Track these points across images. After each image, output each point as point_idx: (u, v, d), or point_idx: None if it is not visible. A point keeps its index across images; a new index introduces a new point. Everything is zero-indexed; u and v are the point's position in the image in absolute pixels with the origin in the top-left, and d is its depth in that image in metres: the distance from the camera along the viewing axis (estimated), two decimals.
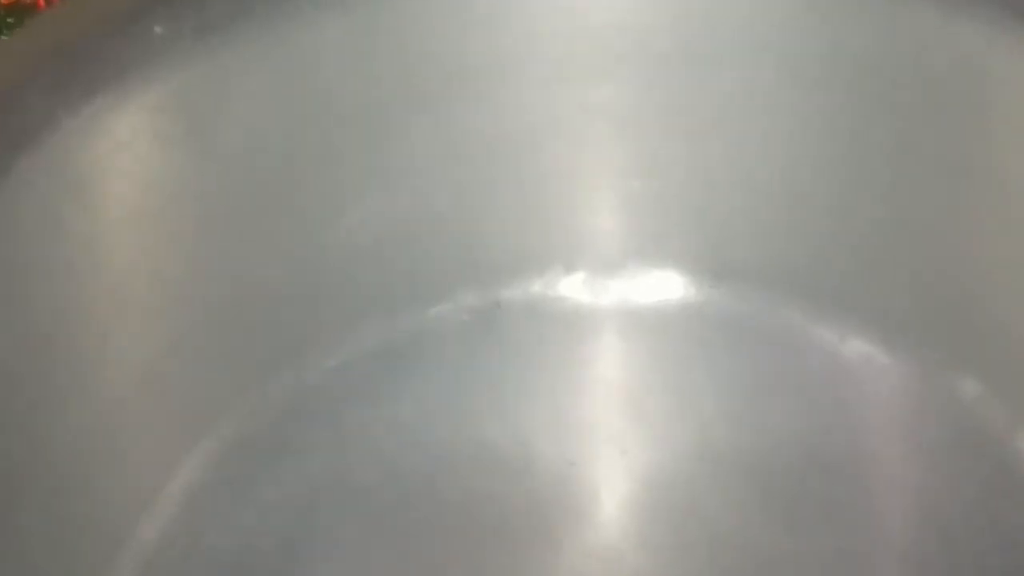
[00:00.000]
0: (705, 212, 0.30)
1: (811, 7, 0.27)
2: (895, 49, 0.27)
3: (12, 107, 0.25)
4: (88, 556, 0.27)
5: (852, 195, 0.29)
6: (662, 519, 0.28)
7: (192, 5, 0.26)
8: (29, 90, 0.25)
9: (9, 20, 0.36)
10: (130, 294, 0.28)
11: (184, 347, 0.29)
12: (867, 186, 0.29)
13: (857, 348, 0.30)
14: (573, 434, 0.30)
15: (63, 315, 0.26)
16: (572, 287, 0.31)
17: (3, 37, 0.37)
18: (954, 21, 0.26)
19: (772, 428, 0.29)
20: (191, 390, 0.29)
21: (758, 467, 0.29)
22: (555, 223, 0.31)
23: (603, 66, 0.29)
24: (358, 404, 0.30)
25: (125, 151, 0.26)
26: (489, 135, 0.30)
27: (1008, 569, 0.27)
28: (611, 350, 0.32)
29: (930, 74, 0.27)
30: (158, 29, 0.26)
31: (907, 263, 0.29)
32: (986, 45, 0.26)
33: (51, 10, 0.25)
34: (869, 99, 0.28)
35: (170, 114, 0.27)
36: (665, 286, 0.31)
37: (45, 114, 0.25)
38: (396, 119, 0.29)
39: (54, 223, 0.26)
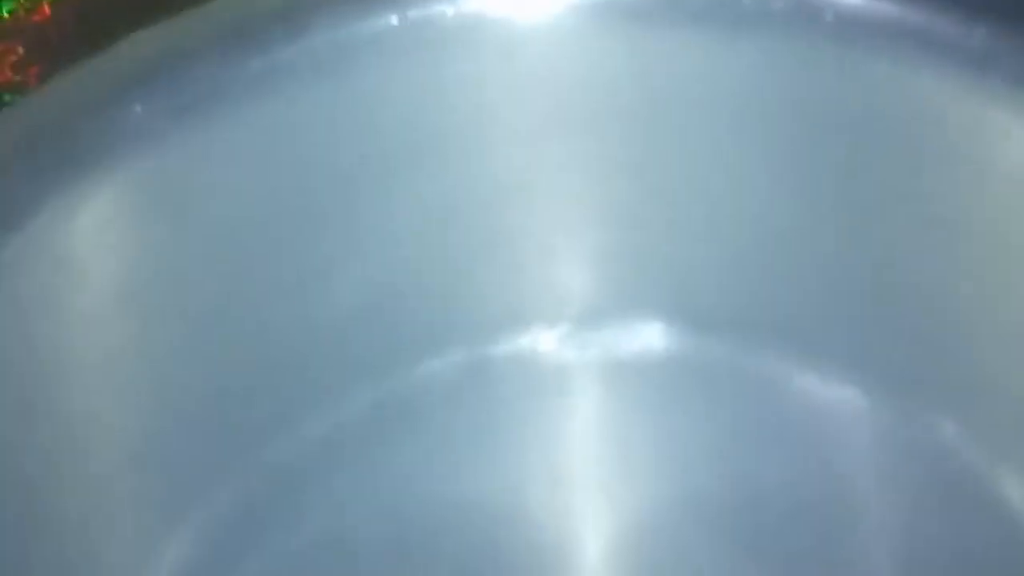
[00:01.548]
0: (683, 264, 0.31)
1: (770, 64, 0.28)
2: (861, 103, 0.27)
3: (1, 190, 0.26)
4: None
5: (827, 243, 0.30)
6: (649, 564, 0.29)
7: (169, 87, 0.27)
8: (15, 172, 0.26)
9: (6, 98, 0.37)
10: (120, 367, 0.28)
11: (175, 419, 0.29)
12: (841, 234, 0.29)
13: (838, 394, 0.30)
14: (562, 484, 0.31)
15: (54, 390, 0.27)
16: (555, 341, 0.32)
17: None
18: (910, 76, 0.27)
19: (756, 473, 0.30)
20: (184, 461, 0.30)
21: (743, 512, 0.29)
22: (536, 279, 0.32)
23: (574, 124, 0.30)
24: (352, 465, 0.31)
25: (110, 228, 0.27)
26: (466, 196, 0.30)
27: None
28: (595, 401, 0.32)
29: (893, 124, 0.28)
30: (137, 109, 0.27)
31: (885, 310, 0.30)
32: (946, 96, 0.27)
33: (33, 95, 0.26)
34: (838, 150, 0.28)
35: (151, 191, 0.27)
36: (646, 338, 0.32)
37: (32, 195, 0.26)
38: (374, 185, 0.30)
39: (44, 299, 0.26)
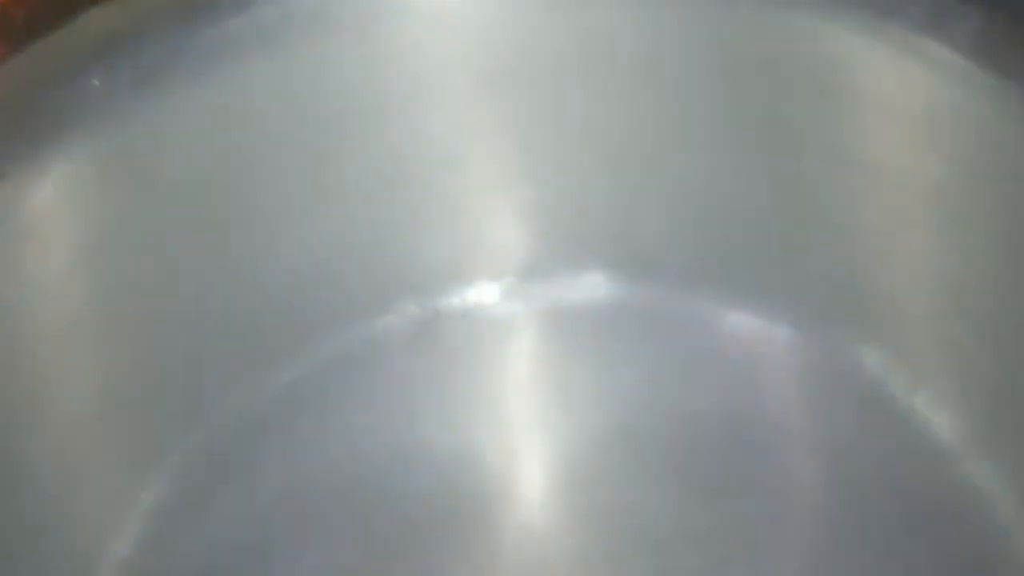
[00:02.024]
0: (618, 215, 0.33)
1: (688, 20, 0.29)
2: (772, 52, 0.29)
3: None
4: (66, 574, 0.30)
5: (752, 188, 0.32)
6: (590, 496, 0.31)
7: (126, 58, 0.29)
8: None
9: None
10: (84, 326, 0.30)
11: (139, 373, 0.31)
12: (764, 178, 0.31)
13: (768, 330, 0.32)
14: (510, 426, 0.33)
15: (23, 348, 0.29)
16: (500, 294, 0.34)
17: None
18: (825, 24, 0.28)
19: (691, 406, 0.32)
20: (149, 413, 0.31)
21: (679, 441, 0.31)
22: (480, 235, 0.33)
23: (508, 87, 0.31)
24: (311, 414, 0.32)
25: (71, 196, 0.29)
26: (409, 158, 0.32)
27: (910, 519, 0.29)
28: (538, 348, 0.34)
29: (806, 73, 0.29)
30: (95, 82, 0.28)
31: (807, 248, 0.32)
32: (853, 44, 0.29)
33: None
34: (757, 100, 0.30)
35: (111, 159, 0.29)
36: (585, 286, 0.33)
37: None
38: (322, 148, 0.31)
39: (9, 264, 0.28)
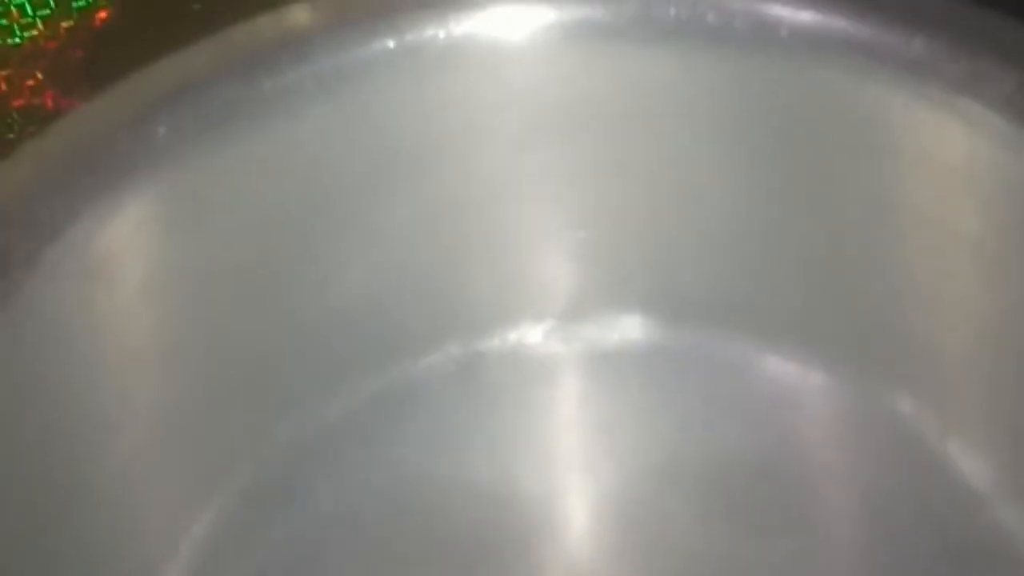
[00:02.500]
0: (657, 260, 0.34)
1: (738, 76, 0.30)
2: (816, 107, 0.30)
3: (37, 203, 0.28)
4: None
5: (789, 236, 0.33)
6: (633, 533, 0.32)
7: (191, 107, 0.30)
8: (52, 186, 0.29)
9: (31, 128, 0.40)
10: (146, 360, 0.31)
11: (195, 406, 0.32)
12: (802, 227, 0.32)
13: (800, 373, 0.33)
14: (549, 464, 0.33)
15: (89, 380, 0.30)
16: (542, 335, 0.35)
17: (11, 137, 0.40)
18: (864, 81, 0.30)
19: (729, 447, 0.33)
20: (204, 445, 0.32)
21: (717, 482, 0.32)
22: (523, 278, 0.34)
23: (556, 134, 0.32)
24: (357, 449, 0.33)
25: (137, 236, 0.30)
26: (459, 202, 0.33)
27: (942, 560, 0.30)
28: (579, 388, 0.35)
29: (845, 126, 0.30)
30: (161, 129, 0.29)
31: (843, 295, 0.33)
32: (892, 102, 0.30)
33: (67, 116, 0.29)
34: (798, 151, 0.31)
35: (174, 201, 0.30)
36: (624, 329, 0.34)
37: (67, 207, 0.28)
38: (375, 193, 0.32)
39: (79, 302, 0.29)
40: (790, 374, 0.33)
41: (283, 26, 0.31)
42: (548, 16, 0.31)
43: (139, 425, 0.31)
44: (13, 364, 0.28)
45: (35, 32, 0.42)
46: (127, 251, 0.30)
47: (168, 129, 0.30)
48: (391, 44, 0.31)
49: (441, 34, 0.31)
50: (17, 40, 0.42)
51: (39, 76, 0.41)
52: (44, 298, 0.28)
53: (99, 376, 0.29)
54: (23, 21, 0.42)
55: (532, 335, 0.35)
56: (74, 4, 0.42)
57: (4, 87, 0.41)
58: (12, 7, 0.42)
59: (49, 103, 0.40)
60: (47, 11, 0.42)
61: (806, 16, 0.29)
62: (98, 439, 0.30)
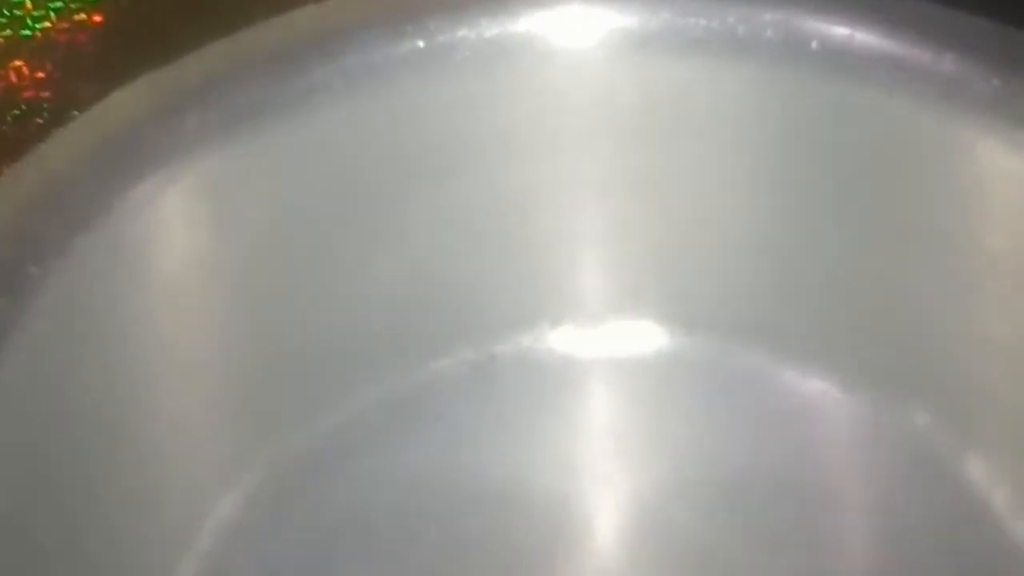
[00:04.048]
0: (678, 269, 0.34)
1: (765, 89, 0.30)
2: (846, 122, 0.30)
3: (68, 193, 0.28)
4: None
5: (810, 251, 0.33)
6: (649, 542, 0.32)
7: (220, 101, 0.30)
8: (82, 177, 0.28)
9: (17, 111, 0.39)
10: (171, 355, 0.31)
11: (215, 402, 0.32)
12: (824, 242, 0.32)
13: (818, 387, 0.33)
14: (566, 472, 0.33)
15: (115, 374, 0.30)
16: (559, 340, 0.35)
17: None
18: (894, 96, 0.30)
19: (745, 460, 0.33)
20: (221, 441, 0.32)
21: (734, 494, 0.32)
22: (542, 282, 0.34)
23: (584, 141, 0.32)
24: (370, 452, 0.33)
25: (167, 229, 0.30)
26: (482, 206, 0.33)
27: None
28: (596, 396, 0.35)
29: (874, 141, 0.31)
30: (192, 122, 0.29)
31: (861, 310, 0.33)
32: (921, 117, 0.30)
33: (98, 105, 0.29)
34: (827, 166, 0.31)
35: (204, 195, 0.30)
36: (643, 337, 0.34)
37: (98, 198, 0.28)
38: (399, 193, 0.32)
39: (108, 295, 0.29)
40: (807, 388, 0.33)
41: (314, 23, 0.31)
42: (579, 22, 0.31)
43: (158, 422, 0.31)
44: (46, 351, 0.27)
45: (48, 24, 0.42)
46: (157, 245, 0.30)
47: (198, 122, 0.30)
48: (421, 44, 0.31)
49: (472, 36, 0.31)
50: (29, 31, 0.42)
51: (50, 68, 0.41)
52: (76, 287, 0.28)
53: (123, 370, 0.29)
54: (36, 13, 0.42)
55: (548, 340, 0.35)
56: None
57: (14, 78, 0.41)
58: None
59: (59, 96, 0.40)
60: (60, 2, 0.42)
61: (837, 30, 0.30)
62: (119, 432, 0.30)
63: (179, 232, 0.30)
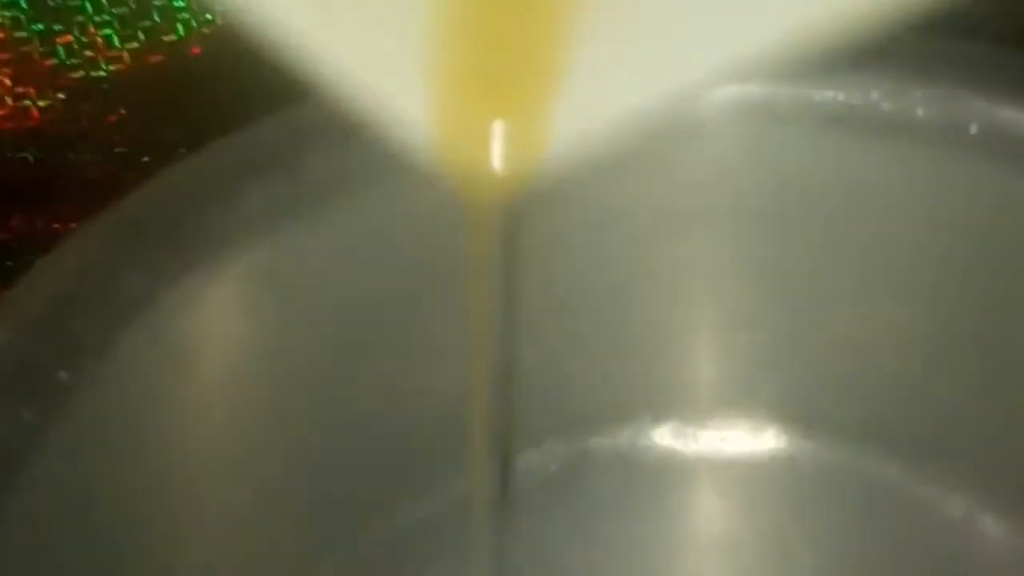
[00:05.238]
0: (803, 365, 0.30)
1: (901, 173, 0.27)
2: (1009, 218, 0.27)
3: (114, 284, 0.25)
4: None
5: (942, 350, 0.29)
6: None
7: (285, 177, 0.26)
8: (129, 267, 0.25)
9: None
10: (222, 451, 0.27)
11: (272, 501, 0.29)
12: (977, 347, 0.28)
13: (956, 507, 0.29)
14: None
15: (162, 473, 0.26)
16: (661, 437, 0.31)
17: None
18: None
19: None
20: (279, 544, 0.29)
21: None
22: (644, 374, 0.31)
23: (696, 221, 0.29)
24: (444, 559, 0.30)
25: (218, 320, 0.26)
26: (583, 289, 0.29)
27: None
28: (701, 505, 0.31)
29: (1013, 235, 0.27)
30: (255, 200, 0.26)
31: (1006, 418, 0.29)
32: None
33: (148, 183, 0.25)
34: (977, 264, 0.27)
35: (259, 283, 0.27)
36: (759, 439, 0.31)
37: (145, 290, 0.25)
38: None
39: (154, 391, 0.26)
40: (951, 512, 0.29)
41: None
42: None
43: (208, 527, 0.27)
44: (79, 464, 0.24)
45: (121, 65, 0.39)
46: (207, 337, 0.26)
47: (262, 200, 0.26)
48: None
49: None
50: (102, 72, 0.39)
51: (123, 112, 0.38)
52: (116, 390, 0.25)
53: (169, 476, 0.26)
54: (110, 53, 0.39)
55: (649, 436, 0.31)
56: (165, 38, 0.39)
57: (85, 122, 0.38)
58: (99, 36, 0.39)
59: (126, 143, 0.37)
60: (136, 44, 0.39)
61: (1003, 113, 0.26)
62: (169, 536, 0.26)
63: (230, 323, 0.26)
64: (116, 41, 0.39)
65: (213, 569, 0.27)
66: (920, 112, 0.26)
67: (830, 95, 0.27)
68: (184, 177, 0.26)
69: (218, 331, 0.26)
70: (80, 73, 0.39)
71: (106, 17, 0.39)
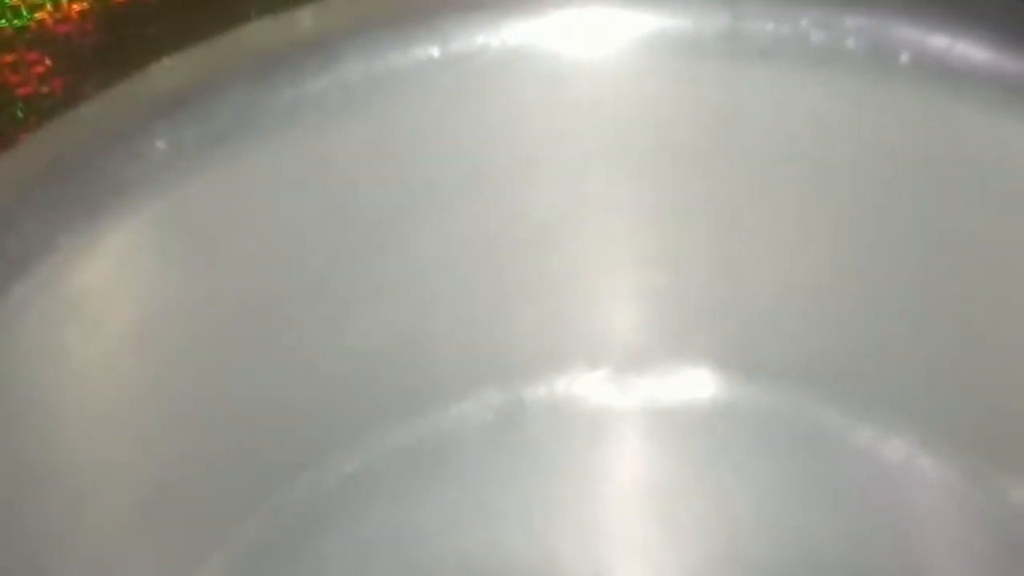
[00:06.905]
0: (735, 308, 0.29)
1: (838, 104, 0.26)
2: (937, 148, 0.26)
3: (7, 230, 0.24)
4: None
5: (894, 291, 0.28)
6: None
7: (195, 117, 0.25)
8: (25, 211, 0.24)
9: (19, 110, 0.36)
10: (132, 412, 0.27)
11: (191, 462, 0.28)
12: (910, 282, 0.28)
13: (897, 450, 0.29)
14: (600, 542, 0.29)
15: (62, 436, 0.25)
16: (595, 385, 0.30)
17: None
18: (1003, 119, 0.25)
19: (809, 534, 0.28)
20: (201, 505, 0.28)
21: (795, 575, 0.28)
22: (578, 320, 0.30)
23: (622, 163, 0.28)
24: (378, 510, 0.29)
25: (126, 269, 0.25)
26: (505, 234, 0.29)
27: None
28: (636, 451, 0.30)
29: (972, 171, 0.26)
30: (159, 143, 0.25)
31: (955, 364, 0.28)
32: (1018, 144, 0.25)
33: (45, 128, 0.24)
34: (909, 196, 0.27)
35: (173, 229, 0.26)
36: (692, 384, 0.30)
37: (42, 236, 0.24)
38: (412, 221, 0.28)
39: (52, 346, 0.25)
40: (884, 451, 0.28)
41: (308, 25, 0.26)
42: (621, 26, 0.26)
43: (123, 489, 0.26)
44: None
45: (44, 13, 0.38)
46: (114, 287, 0.25)
47: (167, 143, 0.25)
48: (434, 52, 0.26)
49: (494, 42, 0.26)
50: (23, 21, 0.38)
51: (48, 62, 0.37)
52: (8, 341, 0.24)
53: (72, 437, 0.25)
54: (31, 1, 0.38)
55: (584, 384, 0.30)
56: None
57: (8, 73, 0.37)
58: None
59: (60, 92, 0.36)
60: None
61: (936, 41, 0.25)
62: (74, 508, 0.25)
63: (142, 275, 0.25)
64: None
65: (125, 526, 0.27)
66: (851, 43, 0.25)
67: (758, 26, 0.26)
68: (87, 118, 0.25)
69: (122, 281, 0.25)
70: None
71: None
